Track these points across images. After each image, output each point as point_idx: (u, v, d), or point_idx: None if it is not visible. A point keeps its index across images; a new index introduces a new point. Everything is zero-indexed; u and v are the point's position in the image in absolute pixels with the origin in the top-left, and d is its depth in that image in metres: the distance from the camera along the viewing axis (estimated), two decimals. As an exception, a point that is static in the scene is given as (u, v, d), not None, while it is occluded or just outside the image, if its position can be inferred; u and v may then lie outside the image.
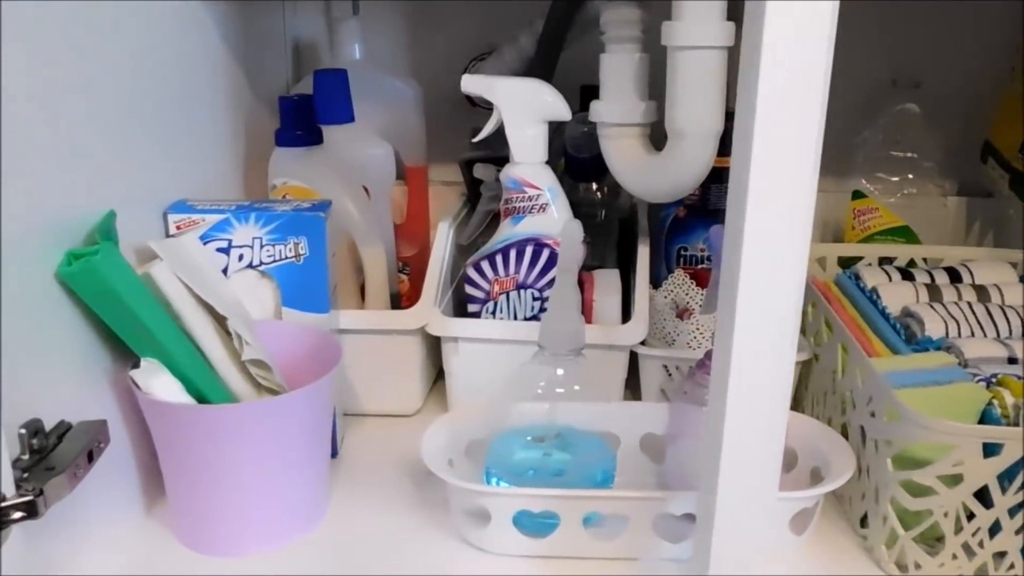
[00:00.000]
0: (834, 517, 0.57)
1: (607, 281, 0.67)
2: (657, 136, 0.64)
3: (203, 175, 0.65)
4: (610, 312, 0.65)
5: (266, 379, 0.54)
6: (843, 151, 0.82)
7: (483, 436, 0.58)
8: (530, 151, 0.64)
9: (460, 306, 0.71)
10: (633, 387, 0.68)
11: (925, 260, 0.76)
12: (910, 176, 0.79)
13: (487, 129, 0.64)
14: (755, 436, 0.39)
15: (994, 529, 0.49)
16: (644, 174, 0.62)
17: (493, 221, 0.73)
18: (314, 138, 0.67)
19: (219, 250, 0.58)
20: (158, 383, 0.49)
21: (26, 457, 0.43)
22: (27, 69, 0.43)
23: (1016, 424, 0.50)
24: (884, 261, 0.75)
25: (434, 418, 0.68)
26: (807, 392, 0.67)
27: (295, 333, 0.58)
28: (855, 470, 0.53)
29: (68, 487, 0.43)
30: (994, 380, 0.55)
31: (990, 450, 0.48)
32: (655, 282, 0.73)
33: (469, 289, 0.67)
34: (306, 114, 0.66)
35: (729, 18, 0.56)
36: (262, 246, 0.58)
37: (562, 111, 0.63)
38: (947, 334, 0.62)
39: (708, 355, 0.55)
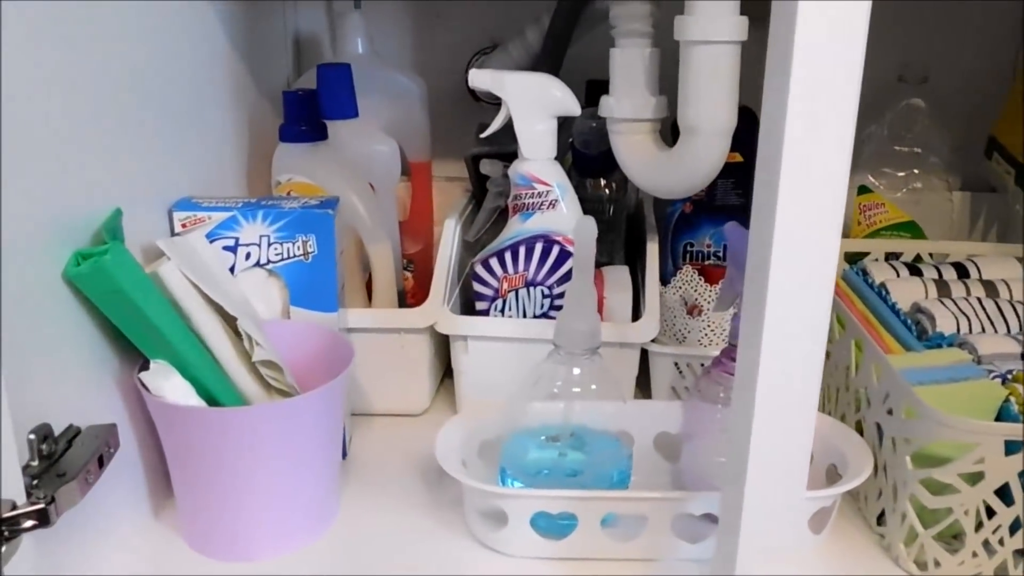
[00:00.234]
0: (849, 515, 0.57)
1: (617, 278, 0.66)
2: (662, 132, 0.64)
3: (205, 172, 0.63)
4: (621, 310, 0.65)
5: (277, 380, 0.53)
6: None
7: (496, 436, 0.58)
8: (539, 147, 0.63)
9: (467, 304, 0.71)
10: (642, 385, 0.68)
11: (931, 255, 0.76)
12: (916, 171, 0.79)
13: (495, 124, 0.63)
14: (783, 435, 0.39)
15: (1014, 526, 0.49)
16: (656, 170, 0.61)
17: (500, 217, 0.72)
18: (319, 133, 0.66)
19: (226, 248, 0.57)
20: (169, 385, 0.48)
21: (35, 463, 0.42)
22: (29, 68, 0.42)
23: (1035, 421, 0.50)
24: (890, 257, 0.75)
25: (442, 417, 0.67)
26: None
27: (305, 333, 0.57)
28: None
29: (80, 493, 0.42)
30: (1009, 376, 0.55)
31: (1010, 448, 0.48)
32: (662, 279, 0.72)
33: (477, 287, 0.66)
34: (311, 109, 0.65)
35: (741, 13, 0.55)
36: (270, 244, 0.57)
37: (572, 106, 0.62)
38: (958, 330, 0.62)
39: (724, 353, 0.54)
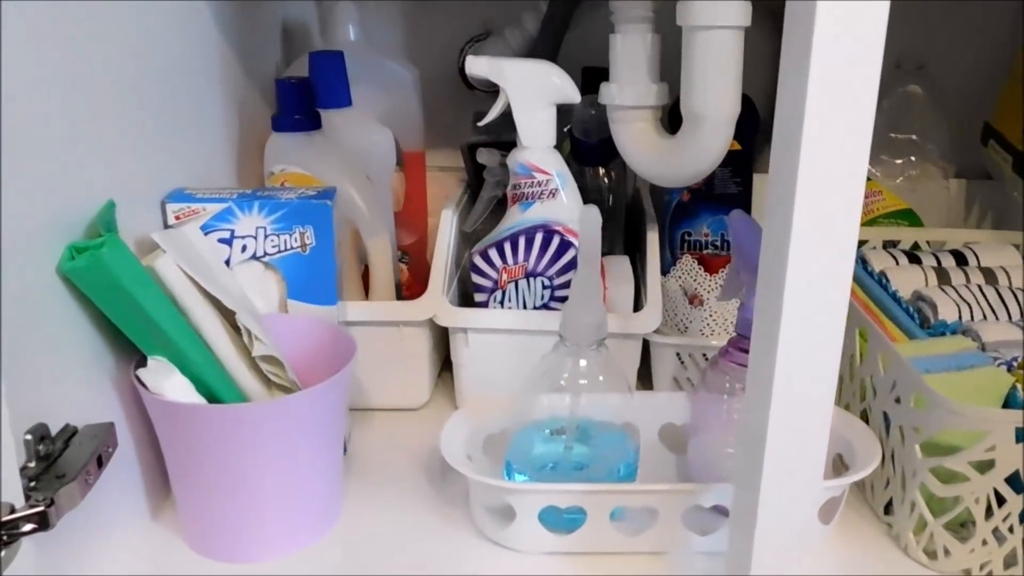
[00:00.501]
0: (856, 504, 0.56)
1: (619, 269, 0.65)
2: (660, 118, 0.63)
3: (196, 163, 0.62)
4: (623, 300, 0.64)
5: (278, 376, 0.52)
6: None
7: (500, 430, 0.57)
8: (539, 135, 0.62)
9: (464, 296, 0.70)
10: (642, 376, 0.67)
11: (928, 243, 0.76)
12: (913, 159, 0.79)
13: (493, 112, 0.62)
14: (802, 425, 0.38)
15: (1024, 514, 0.49)
16: (658, 158, 0.61)
17: (497, 207, 0.71)
18: (313, 123, 0.64)
19: (221, 241, 0.55)
20: (168, 383, 0.47)
21: (33, 464, 0.41)
22: (19, 63, 0.40)
23: (1043, 407, 0.50)
24: (888, 245, 0.74)
25: (441, 411, 0.67)
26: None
27: (304, 327, 0.56)
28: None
29: (80, 495, 0.41)
30: (1015, 363, 0.54)
31: (1021, 435, 0.47)
32: (660, 268, 0.72)
33: (476, 278, 0.65)
34: (305, 98, 0.64)
35: None
36: (266, 236, 0.55)
37: (572, 94, 0.61)
38: (960, 318, 0.62)
39: (731, 343, 0.53)
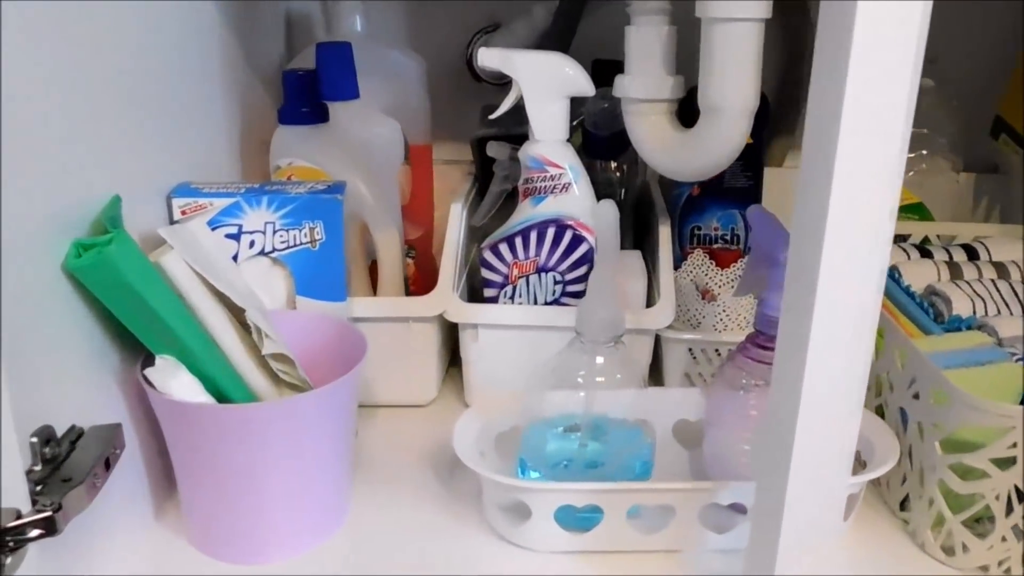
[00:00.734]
0: (870, 499, 0.56)
1: (631, 264, 0.65)
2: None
3: (200, 156, 0.60)
4: (636, 296, 0.63)
5: (288, 374, 0.51)
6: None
7: (511, 427, 0.56)
8: (552, 128, 0.61)
9: (471, 291, 0.69)
10: (653, 371, 0.66)
11: (938, 237, 0.75)
12: (923, 152, 0.78)
13: (505, 105, 0.61)
14: (831, 422, 0.37)
15: (1044, 511, 0.49)
16: (673, 152, 0.60)
17: (506, 202, 0.70)
18: (320, 115, 0.63)
19: (228, 236, 0.54)
20: (176, 382, 0.46)
21: (39, 468, 0.40)
22: (20, 57, 0.39)
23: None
24: (898, 239, 0.74)
25: (449, 408, 0.66)
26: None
27: (313, 323, 0.55)
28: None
29: (87, 499, 0.40)
30: (1033, 359, 0.54)
31: (1042, 432, 0.47)
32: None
33: (485, 273, 0.64)
34: (312, 90, 0.63)
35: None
36: (275, 231, 0.54)
37: (585, 86, 0.60)
38: (974, 312, 0.61)
39: (750, 339, 0.53)
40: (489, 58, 0.60)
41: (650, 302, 0.64)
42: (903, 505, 0.54)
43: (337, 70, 0.64)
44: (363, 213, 0.63)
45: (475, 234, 0.72)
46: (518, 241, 0.63)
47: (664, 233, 0.67)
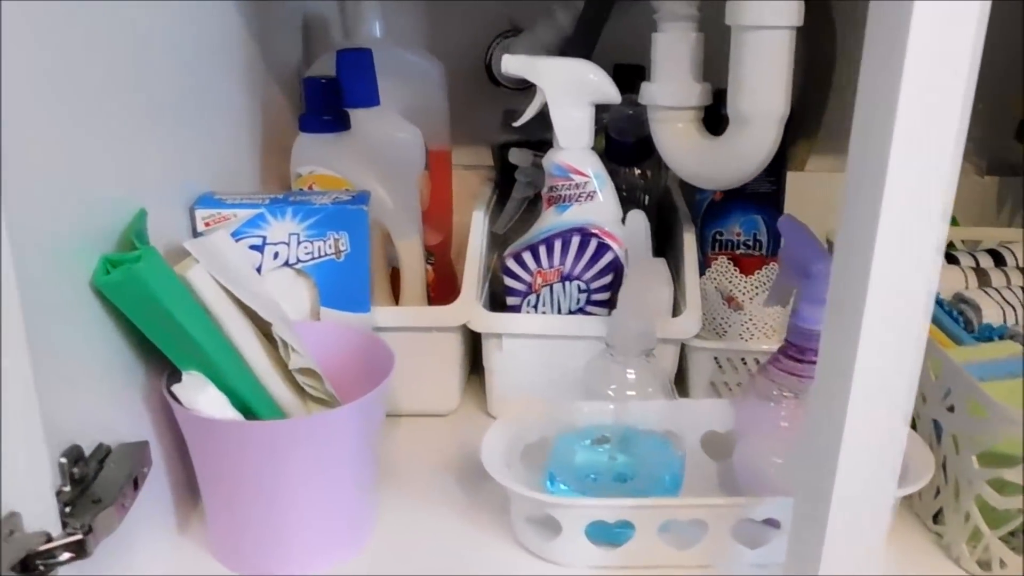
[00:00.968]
0: (901, 511, 0.55)
1: (658, 271, 0.64)
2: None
3: (221, 165, 0.60)
4: (662, 304, 0.62)
5: (315, 388, 0.50)
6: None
7: (539, 438, 0.55)
8: (576, 136, 0.60)
9: (491, 298, 0.68)
10: (677, 380, 0.65)
11: (963, 242, 0.74)
12: (948, 155, 0.77)
13: (529, 112, 0.60)
14: (879, 436, 0.36)
15: (1084, 526, 0.48)
16: (701, 160, 0.59)
17: (528, 208, 0.70)
18: (342, 123, 0.62)
19: (252, 247, 0.54)
20: (203, 398, 0.45)
21: (68, 489, 0.39)
22: (41, 68, 0.38)
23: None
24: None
25: (471, 417, 0.65)
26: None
27: (338, 334, 0.54)
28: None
29: (117, 519, 0.40)
30: (1068, 370, 0.53)
31: (1083, 446, 0.46)
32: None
33: (509, 281, 0.63)
34: (334, 97, 0.62)
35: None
36: (299, 243, 0.54)
37: (611, 93, 0.59)
38: (1004, 320, 0.60)
39: (782, 350, 0.52)
40: (513, 65, 0.59)
41: (675, 310, 0.64)
42: (936, 518, 0.53)
43: (358, 77, 0.64)
44: (385, 221, 0.62)
45: (495, 241, 0.71)
46: (542, 249, 0.62)
47: (689, 239, 0.66)
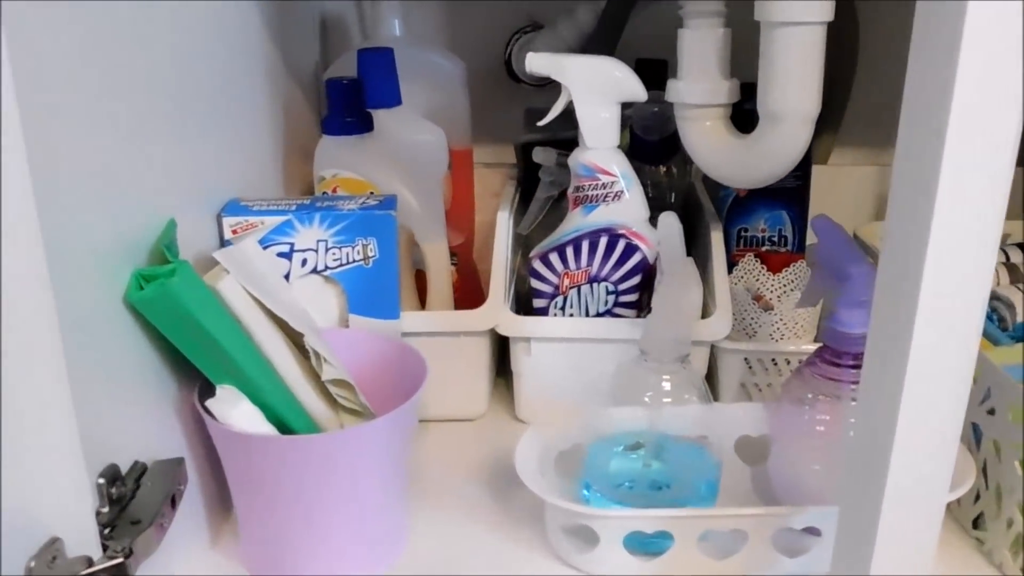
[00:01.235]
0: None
1: (687, 272, 0.63)
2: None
3: (244, 169, 0.59)
4: (695, 308, 0.61)
5: (348, 400, 0.49)
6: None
7: (572, 445, 0.55)
8: (603, 135, 0.59)
9: (516, 300, 0.67)
10: (707, 380, 0.64)
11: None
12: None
13: (555, 111, 0.59)
14: (931, 442, 0.36)
15: None
16: (730, 158, 0.58)
17: (552, 208, 0.69)
18: (365, 125, 0.61)
19: (280, 255, 0.53)
20: (237, 412, 0.44)
21: (106, 510, 0.38)
22: (68, 79, 0.37)
23: None
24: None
25: (498, 422, 0.65)
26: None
27: (371, 343, 0.53)
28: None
29: (156, 540, 0.39)
30: (1108, 370, 0.52)
31: None
32: (720, 267, 0.69)
33: (535, 283, 0.63)
34: (357, 99, 0.61)
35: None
36: (327, 249, 0.53)
37: (638, 91, 0.58)
38: (1040, 318, 0.60)
39: (819, 354, 0.51)
40: (538, 63, 0.58)
41: (704, 310, 0.63)
42: (976, 523, 0.53)
43: (380, 77, 0.63)
44: (410, 224, 0.61)
45: (519, 241, 0.70)
46: (569, 251, 0.61)
47: (716, 238, 0.65)
